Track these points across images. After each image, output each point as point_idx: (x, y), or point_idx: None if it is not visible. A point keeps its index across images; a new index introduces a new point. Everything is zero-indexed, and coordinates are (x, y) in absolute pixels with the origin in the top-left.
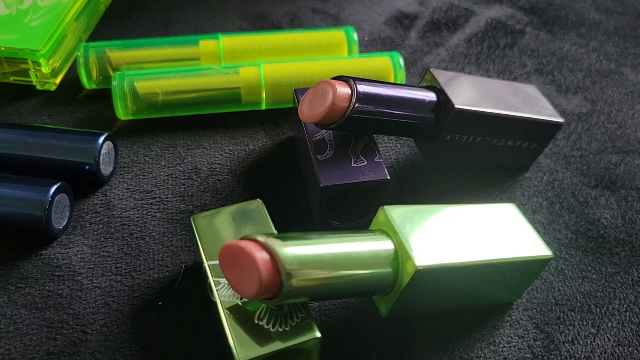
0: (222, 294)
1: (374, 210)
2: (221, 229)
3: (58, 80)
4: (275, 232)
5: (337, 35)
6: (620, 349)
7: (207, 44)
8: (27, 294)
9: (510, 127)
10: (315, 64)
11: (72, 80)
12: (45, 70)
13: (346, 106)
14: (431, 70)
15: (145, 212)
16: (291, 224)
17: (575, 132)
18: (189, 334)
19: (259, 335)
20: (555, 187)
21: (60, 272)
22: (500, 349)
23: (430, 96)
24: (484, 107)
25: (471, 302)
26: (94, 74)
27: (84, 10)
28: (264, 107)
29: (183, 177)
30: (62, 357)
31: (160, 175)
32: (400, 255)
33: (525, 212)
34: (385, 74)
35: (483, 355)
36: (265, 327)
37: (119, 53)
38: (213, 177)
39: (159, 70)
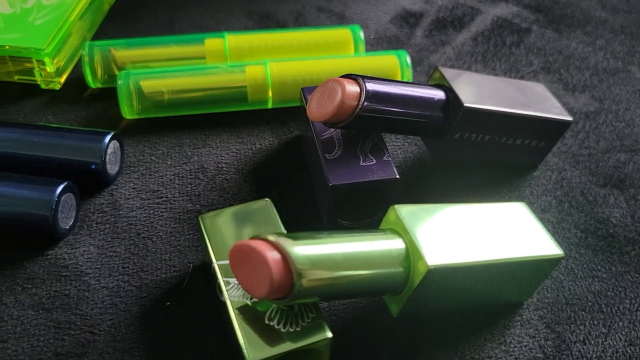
0: (232, 293)
1: (382, 209)
2: (230, 228)
3: (62, 79)
4: (285, 231)
5: (343, 33)
6: (632, 348)
7: (212, 42)
8: (33, 294)
9: (518, 126)
10: (322, 62)
11: (76, 79)
12: (50, 69)
13: (355, 104)
14: (439, 68)
15: (151, 212)
16: (299, 223)
17: (583, 131)
18: (197, 334)
19: (270, 335)
20: (563, 186)
21: (67, 272)
22: (511, 349)
23: (439, 94)
24: (492, 105)
25: (481, 301)
26: (99, 72)
27: (88, 9)
28: (270, 106)
29: (189, 176)
30: (69, 357)
31: (166, 175)
32: (412, 254)
33: (534, 211)
34: (392, 72)
35: (494, 355)
36: (276, 327)
37: (123, 51)
38: (220, 176)
39: (164, 68)
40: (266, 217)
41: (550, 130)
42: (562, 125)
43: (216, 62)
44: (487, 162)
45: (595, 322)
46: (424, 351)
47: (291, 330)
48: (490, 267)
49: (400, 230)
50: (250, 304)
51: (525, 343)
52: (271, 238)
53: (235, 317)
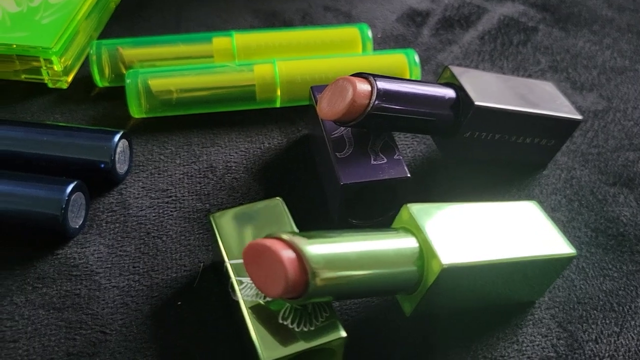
0: (245, 293)
1: (392, 208)
2: (241, 227)
3: (70, 78)
4: (296, 230)
5: (350, 32)
6: None
7: (220, 41)
8: (44, 294)
9: (529, 124)
10: (330, 61)
11: (83, 78)
12: (57, 67)
13: (366, 103)
14: (449, 66)
15: (161, 211)
16: (309, 222)
17: (592, 129)
18: (208, 333)
19: (284, 335)
20: (573, 185)
21: (77, 271)
22: (524, 348)
23: (449, 93)
24: (503, 104)
25: (493, 300)
26: (106, 71)
27: (95, 7)
28: (278, 105)
29: (198, 176)
30: (81, 357)
31: (175, 174)
32: (425, 253)
33: (544, 210)
34: (401, 71)
35: (507, 354)
36: (290, 326)
37: (131, 50)
38: (229, 175)
39: (172, 67)
40: (278, 216)
41: (560, 128)
42: (572, 123)
43: (224, 60)
44: (497, 160)
45: (607, 321)
46: (436, 350)
47: (305, 329)
48: (504, 266)
49: (413, 229)
50: (263, 303)
51: (537, 342)
52: (285, 237)
53: (249, 317)
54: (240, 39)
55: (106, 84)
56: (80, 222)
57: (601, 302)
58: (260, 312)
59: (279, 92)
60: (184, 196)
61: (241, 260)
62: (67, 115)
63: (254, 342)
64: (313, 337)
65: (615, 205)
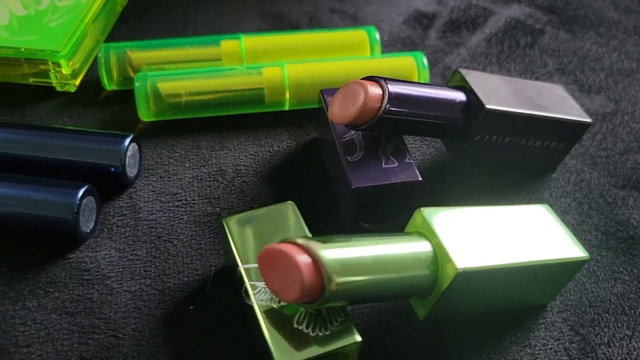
0: (259, 297)
1: (403, 212)
2: (254, 231)
3: (78, 82)
4: (309, 234)
5: (358, 35)
6: None
7: (228, 44)
8: (56, 298)
9: (539, 127)
10: (339, 64)
11: (91, 82)
12: (66, 71)
13: (377, 107)
14: (459, 70)
15: (171, 215)
16: (319, 226)
17: (600, 132)
18: (221, 337)
19: (299, 339)
20: (582, 188)
21: (89, 275)
22: (537, 352)
23: (460, 96)
24: (513, 107)
25: (505, 304)
26: (114, 74)
27: (102, 10)
28: (287, 108)
29: (208, 179)
30: None
31: (185, 177)
32: (439, 257)
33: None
34: (409, 74)
35: (519, 358)
36: (305, 331)
37: (139, 53)
38: (238, 178)
39: (181, 70)
40: (290, 220)
41: (570, 131)
42: (581, 126)
43: (232, 64)
44: (506, 163)
45: (619, 325)
46: (449, 355)
47: (320, 334)
48: (517, 270)
49: (427, 233)
50: (277, 307)
51: (550, 346)
52: (301, 241)
53: (264, 321)
54: (249, 42)
55: (114, 87)
56: (91, 226)
57: (613, 306)
58: (275, 316)
59: (287, 95)
60: (194, 200)
61: (255, 265)
62: (75, 119)
63: (269, 346)
64: (328, 342)
65: (625, 208)
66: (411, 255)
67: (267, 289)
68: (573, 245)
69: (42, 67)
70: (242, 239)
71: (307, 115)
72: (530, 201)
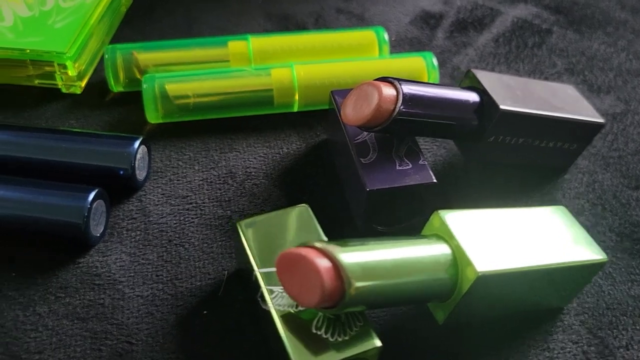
0: (276, 302)
1: (416, 214)
2: (269, 234)
3: (83, 83)
4: (325, 237)
5: (367, 35)
6: None
7: (236, 45)
8: (67, 304)
9: (553, 128)
10: (349, 64)
11: (97, 83)
12: (72, 72)
13: (392, 108)
14: (472, 70)
15: (182, 218)
16: (331, 228)
17: (611, 133)
18: (235, 342)
19: (318, 345)
20: (595, 189)
21: (100, 280)
22: (555, 355)
23: (473, 97)
24: (528, 108)
25: (523, 307)
26: (121, 76)
27: (107, 11)
28: (295, 109)
29: (218, 182)
30: None
31: (194, 180)
32: (459, 260)
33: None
34: (419, 75)
35: None
36: (324, 336)
37: (146, 54)
38: (249, 181)
39: (189, 72)
40: (305, 223)
41: (583, 132)
42: (594, 127)
43: (240, 65)
44: (519, 165)
45: (638, 327)
46: (467, 357)
47: (339, 339)
48: (536, 273)
49: (445, 236)
50: (294, 312)
51: (568, 349)
52: (320, 245)
53: (281, 327)
54: (256, 42)
55: (120, 89)
56: (101, 230)
57: (630, 308)
58: (293, 321)
59: (297, 97)
60: (204, 203)
61: (271, 269)
62: (82, 121)
63: (287, 352)
64: (348, 347)
65: (639, 209)
66: (431, 259)
67: (284, 294)
68: (592, 247)
69: (48, 68)
70: (257, 242)
71: (316, 117)
72: (543, 203)
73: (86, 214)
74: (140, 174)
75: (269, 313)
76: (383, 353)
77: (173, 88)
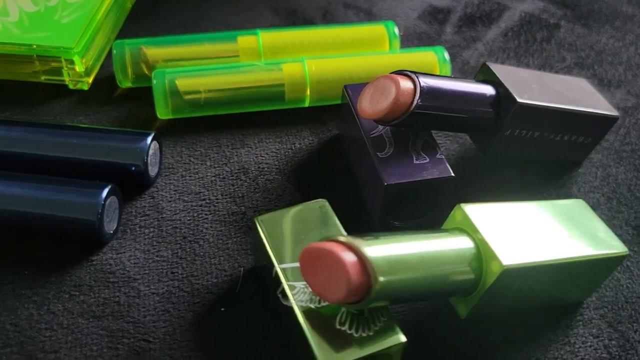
0: (298, 298)
1: (433, 209)
2: (289, 230)
3: (91, 79)
4: (344, 232)
5: (377, 29)
6: None
7: (245, 40)
8: (82, 302)
9: (569, 122)
10: (361, 59)
11: (104, 79)
12: (79, 68)
13: (409, 101)
14: (487, 63)
15: (195, 214)
16: (347, 223)
17: (623, 126)
18: (254, 339)
19: (342, 341)
20: (610, 182)
21: (115, 278)
22: (576, 349)
23: (490, 90)
24: (545, 102)
25: (544, 301)
26: (129, 71)
27: (113, 6)
28: (307, 104)
29: (231, 177)
30: None
31: (207, 176)
32: (483, 254)
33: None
34: (431, 69)
35: (559, 356)
36: (347, 332)
37: (154, 50)
38: (262, 176)
39: (199, 67)
40: (324, 218)
41: (598, 125)
42: (609, 120)
43: (249, 60)
44: (533, 158)
45: None
46: (489, 353)
47: (364, 335)
48: (561, 266)
49: (469, 230)
50: (314, 307)
51: (589, 343)
52: (344, 240)
53: (305, 323)
54: (266, 37)
55: (128, 85)
56: (114, 227)
57: None
58: (316, 317)
59: (308, 92)
60: (217, 199)
61: (291, 264)
62: (90, 117)
63: (311, 348)
64: (372, 343)
65: None
66: (455, 253)
67: (305, 289)
68: (613, 241)
69: (54, 64)
70: (277, 238)
71: (327, 112)
72: (558, 196)
73: (100, 211)
74: (152, 170)
75: (290, 309)
76: (405, 348)
77: (183, 83)
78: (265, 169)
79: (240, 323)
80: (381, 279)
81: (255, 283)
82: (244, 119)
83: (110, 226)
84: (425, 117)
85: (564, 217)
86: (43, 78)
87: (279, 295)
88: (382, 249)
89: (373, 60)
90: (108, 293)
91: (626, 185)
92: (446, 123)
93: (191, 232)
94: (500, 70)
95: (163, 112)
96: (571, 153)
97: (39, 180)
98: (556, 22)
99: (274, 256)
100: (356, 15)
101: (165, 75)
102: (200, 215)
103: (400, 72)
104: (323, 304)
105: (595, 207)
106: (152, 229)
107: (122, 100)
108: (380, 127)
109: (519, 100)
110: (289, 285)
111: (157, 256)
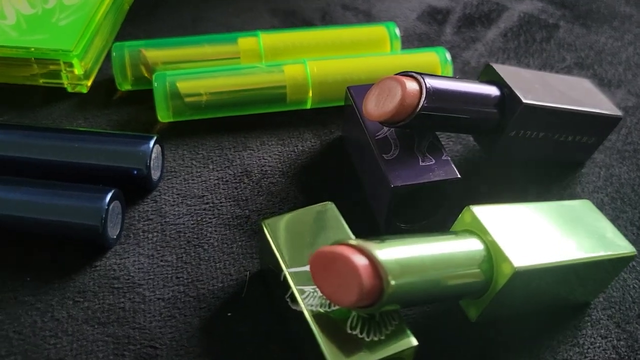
0: (308, 302)
1: (439, 211)
2: (296, 233)
3: (90, 82)
4: (352, 235)
5: (378, 31)
6: None
7: (246, 42)
8: (86, 308)
9: (574, 122)
10: (363, 60)
11: (103, 82)
12: (78, 71)
13: (416, 103)
14: (491, 64)
15: (199, 218)
16: (352, 226)
17: (625, 126)
18: (262, 344)
19: (353, 345)
20: (613, 182)
21: (119, 283)
22: (585, 350)
23: (494, 91)
24: (549, 102)
25: (551, 302)
26: (129, 74)
27: (111, 8)
28: (309, 106)
29: (234, 181)
30: None
31: (210, 179)
32: (494, 256)
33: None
34: (433, 70)
35: (569, 357)
36: (359, 336)
37: (154, 52)
38: (265, 179)
39: (199, 69)
40: (332, 221)
41: (602, 125)
42: (613, 120)
43: (250, 61)
44: (537, 159)
45: None
46: (499, 355)
47: (375, 339)
48: (571, 267)
49: (479, 232)
50: (325, 312)
51: (598, 344)
52: (355, 243)
53: (315, 327)
54: (267, 39)
55: (128, 88)
56: (117, 231)
57: None
58: (326, 322)
59: (310, 94)
60: (221, 202)
61: (300, 268)
62: (90, 121)
63: (322, 353)
64: (384, 347)
65: None
66: (466, 255)
67: (315, 293)
68: (621, 241)
69: (53, 67)
70: (284, 241)
71: (329, 114)
72: (562, 197)
73: (104, 216)
74: (155, 174)
75: (300, 314)
76: (417, 351)
77: (184, 86)
78: (269, 171)
79: (247, 327)
80: (393, 282)
81: (261, 287)
82: (244, 121)
83: (113, 231)
84: (431, 118)
85: (572, 217)
86: (41, 81)
87: (288, 300)
88: (393, 252)
89: (375, 62)
90: (113, 299)
91: (630, 185)
92: (452, 124)
93: (195, 236)
94: (504, 71)
95: (164, 115)
96: (575, 153)
97: (41, 185)
98: (555, 22)
99: (282, 260)
100: (355, 17)
101: (166, 77)
102: (204, 219)
103: (405, 74)
104: (333, 308)
105: (599, 207)
106: (155, 234)
107: (122, 103)
108: (385, 128)
109: (524, 100)
110: (298, 290)
111: (161, 261)
